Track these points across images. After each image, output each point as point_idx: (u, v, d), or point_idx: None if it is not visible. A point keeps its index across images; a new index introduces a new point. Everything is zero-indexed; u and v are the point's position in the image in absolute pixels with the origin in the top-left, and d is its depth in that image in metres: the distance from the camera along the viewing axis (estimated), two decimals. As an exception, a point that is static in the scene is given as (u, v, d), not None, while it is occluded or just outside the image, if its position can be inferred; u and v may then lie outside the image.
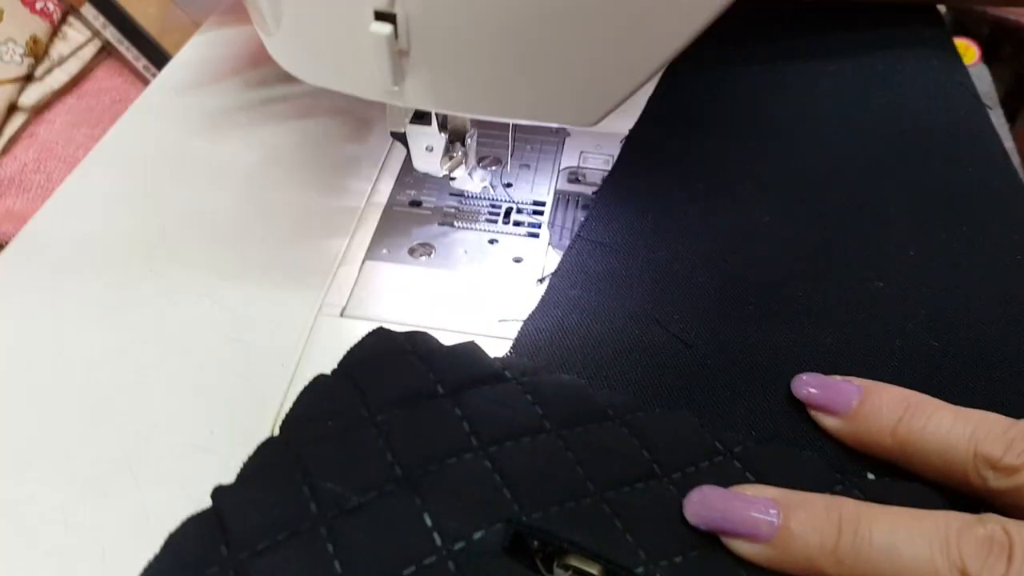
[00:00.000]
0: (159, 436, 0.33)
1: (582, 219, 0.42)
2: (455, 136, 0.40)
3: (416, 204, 0.44)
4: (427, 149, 0.40)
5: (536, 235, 0.42)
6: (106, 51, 0.65)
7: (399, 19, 0.28)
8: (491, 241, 0.42)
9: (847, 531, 0.25)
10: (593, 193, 0.44)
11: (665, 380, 0.34)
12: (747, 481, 0.29)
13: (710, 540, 0.27)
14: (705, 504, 0.27)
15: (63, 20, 0.63)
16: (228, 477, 0.29)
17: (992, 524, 0.24)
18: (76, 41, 0.63)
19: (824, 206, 0.42)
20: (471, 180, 0.42)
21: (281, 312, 0.38)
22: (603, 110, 0.30)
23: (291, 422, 0.31)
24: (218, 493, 0.28)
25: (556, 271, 0.39)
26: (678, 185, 0.44)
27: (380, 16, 0.28)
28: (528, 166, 0.47)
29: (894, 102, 0.49)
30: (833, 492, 0.29)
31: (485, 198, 0.45)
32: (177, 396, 0.34)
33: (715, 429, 0.31)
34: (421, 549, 0.26)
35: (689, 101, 0.49)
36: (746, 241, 0.40)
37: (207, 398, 0.34)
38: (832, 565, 0.25)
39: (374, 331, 0.34)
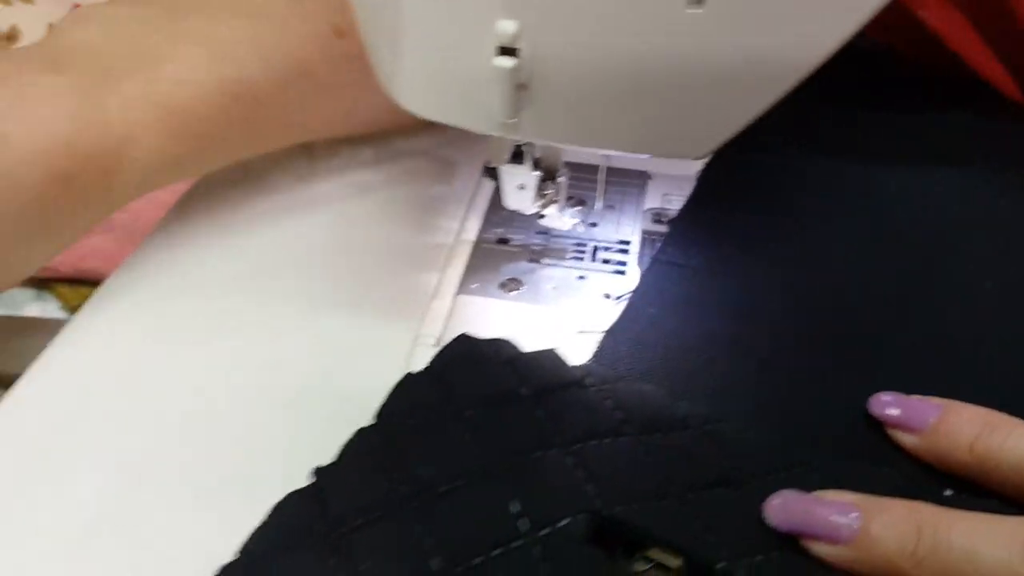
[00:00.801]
0: (260, 456, 0.34)
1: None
2: (547, 175, 0.41)
3: (504, 241, 0.45)
4: (519, 187, 0.41)
5: (623, 272, 0.43)
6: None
7: (522, 53, 0.29)
8: (580, 277, 0.43)
9: (927, 534, 0.25)
10: (669, 220, 0.45)
11: (742, 398, 0.35)
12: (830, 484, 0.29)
13: (790, 541, 0.27)
14: (786, 508, 0.27)
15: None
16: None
17: None
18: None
19: (906, 244, 0.43)
20: (560, 218, 0.43)
21: (379, 341, 0.39)
22: (715, 143, 0.31)
23: (383, 415, 0.33)
24: (319, 472, 0.30)
25: (635, 289, 0.40)
26: (755, 214, 0.45)
27: (504, 51, 0.29)
28: (612, 207, 0.47)
29: (970, 141, 0.50)
30: None
31: (571, 237, 0.45)
32: (277, 420, 0.35)
33: (793, 445, 0.31)
34: (508, 533, 0.27)
35: (773, 135, 0.50)
36: (824, 270, 0.41)
37: (306, 421, 0.35)
38: (912, 567, 0.25)
39: (459, 337, 0.35)
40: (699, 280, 0.41)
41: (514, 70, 0.29)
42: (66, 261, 0.58)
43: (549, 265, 0.44)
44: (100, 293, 0.41)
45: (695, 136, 0.30)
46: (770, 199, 0.46)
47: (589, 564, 0.26)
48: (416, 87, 0.33)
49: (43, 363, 0.38)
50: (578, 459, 0.29)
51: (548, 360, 0.34)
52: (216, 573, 0.28)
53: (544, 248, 0.45)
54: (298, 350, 0.38)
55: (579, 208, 0.47)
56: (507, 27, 0.28)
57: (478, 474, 0.29)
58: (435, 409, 0.32)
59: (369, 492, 0.29)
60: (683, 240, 0.43)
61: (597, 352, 0.37)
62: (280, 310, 0.40)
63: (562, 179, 0.42)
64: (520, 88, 0.30)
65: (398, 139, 0.52)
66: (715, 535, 0.27)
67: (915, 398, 0.32)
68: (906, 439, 0.31)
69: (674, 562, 0.27)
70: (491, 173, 0.41)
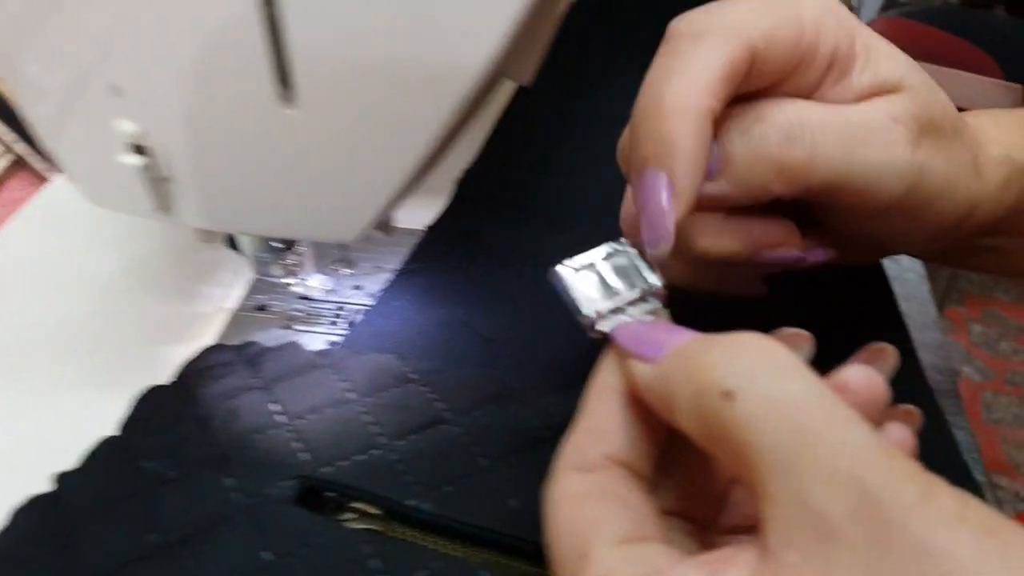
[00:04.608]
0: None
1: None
2: (287, 245, 0.42)
3: (262, 308, 0.46)
4: (260, 257, 0.41)
5: (377, 335, 0.44)
6: (19, 164, 0.68)
7: (155, 150, 0.30)
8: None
9: None
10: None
11: (471, 365, 0.40)
12: (531, 415, 0.36)
13: (477, 470, 0.33)
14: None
15: (-25, 137, 0.66)
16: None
17: None
18: (-13, 156, 0.66)
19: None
20: (306, 284, 0.44)
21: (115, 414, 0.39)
22: (362, 224, 0.31)
23: (126, 423, 0.37)
24: (59, 477, 0.34)
25: (382, 291, 0.44)
26: (478, 227, 0.50)
27: (137, 148, 0.30)
28: (380, 268, 0.48)
29: None
30: None
31: (332, 301, 0.46)
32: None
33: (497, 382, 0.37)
34: (223, 507, 0.32)
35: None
36: (531, 257, 0.45)
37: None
38: None
39: (208, 347, 0.41)
40: (434, 279, 0.46)
41: (147, 166, 0.30)
42: None
43: (301, 331, 0.44)
44: None
45: (342, 221, 0.31)
46: (492, 208, 0.51)
47: (291, 521, 0.31)
48: (84, 181, 0.33)
49: None
50: (298, 433, 0.35)
51: (287, 352, 0.39)
52: None
53: (305, 314, 0.45)
54: (39, 427, 0.39)
55: (346, 271, 0.47)
56: (126, 127, 0.29)
57: (201, 461, 0.34)
58: (174, 412, 0.36)
59: (103, 486, 0.33)
60: (423, 252, 0.47)
61: (344, 341, 0.42)
62: (29, 387, 0.41)
63: (304, 246, 0.42)
64: (163, 180, 0.31)
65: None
66: (412, 475, 0.33)
67: None
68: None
69: (376, 509, 0.32)
70: (234, 244, 0.42)
